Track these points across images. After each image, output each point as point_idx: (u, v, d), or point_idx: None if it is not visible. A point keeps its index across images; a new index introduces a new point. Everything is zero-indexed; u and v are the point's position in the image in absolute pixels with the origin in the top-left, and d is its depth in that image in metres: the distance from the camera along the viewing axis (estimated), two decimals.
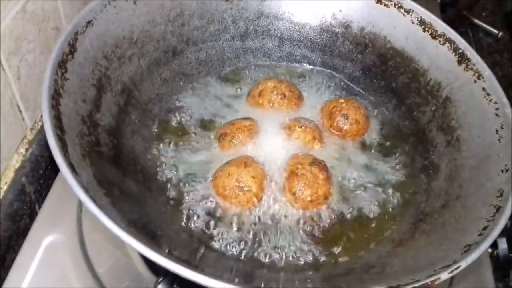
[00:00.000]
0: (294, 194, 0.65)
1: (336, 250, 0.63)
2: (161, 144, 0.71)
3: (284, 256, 0.62)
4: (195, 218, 0.64)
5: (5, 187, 0.66)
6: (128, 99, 0.70)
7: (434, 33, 0.75)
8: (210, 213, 0.64)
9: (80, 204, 0.68)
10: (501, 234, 0.54)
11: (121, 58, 0.70)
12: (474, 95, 0.68)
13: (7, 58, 0.62)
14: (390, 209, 0.68)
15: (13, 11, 0.62)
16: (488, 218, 0.55)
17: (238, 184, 0.64)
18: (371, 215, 0.67)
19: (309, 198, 0.65)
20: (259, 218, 0.65)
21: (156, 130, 0.72)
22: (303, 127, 0.71)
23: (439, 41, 0.74)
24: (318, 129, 0.73)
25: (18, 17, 0.63)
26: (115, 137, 0.65)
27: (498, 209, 0.56)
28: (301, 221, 0.65)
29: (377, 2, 0.79)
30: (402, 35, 0.78)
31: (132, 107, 0.70)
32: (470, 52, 0.71)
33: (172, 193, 0.66)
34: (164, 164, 0.69)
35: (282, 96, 0.75)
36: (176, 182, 0.67)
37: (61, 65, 0.58)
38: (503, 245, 0.69)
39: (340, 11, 0.82)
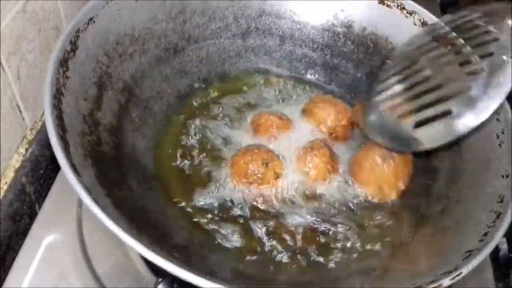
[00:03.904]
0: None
1: (336, 252, 0.63)
2: (162, 143, 0.71)
3: (283, 258, 0.62)
4: (197, 218, 0.64)
5: (5, 187, 0.66)
6: (129, 97, 0.69)
7: None
8: (213, 213, 0.64)
9: (80, 204, 0.68)
10: None
11: (122, 55, 0.69)
12: None
13: (7, 58, 0.61)
14: (390, 212, 0.68)
15: (13, 11, 0.61)
16: (489, 223, 0.56)
17: None
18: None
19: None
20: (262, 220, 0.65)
21: (156, 128, 0.72)
22: None
23: None
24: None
25: (18, 17, 0.62)
26: (116, 136, 0.65)
27: (499, 215, 0.56)
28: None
29: (379, 3, 0.78)
30: (404, 37, 0.77)
31: (133, 105, 0.70)
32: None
33: (173, 192, 0.66)
34: (164, 162, 0.69)
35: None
36: (178, 181, 0.67)
37: (63, 63, 0.58)
38: (503, 245, 0.70)
39: (342, 11, 0.81)
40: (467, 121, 0.57)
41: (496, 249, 0.70)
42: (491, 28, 0.58)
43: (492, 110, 0.55)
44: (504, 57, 0.55)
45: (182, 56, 0.78)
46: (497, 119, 0.65)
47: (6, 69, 0.62)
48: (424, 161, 0.71)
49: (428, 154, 0.71)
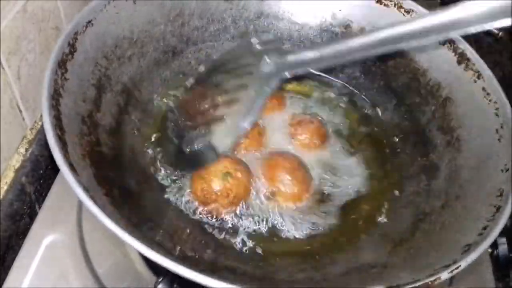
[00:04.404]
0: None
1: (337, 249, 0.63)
2: (161, 144, 0.71)
3: (283, 257, 0.62)
4: (196, 217, 0.64)
5: (5, 187, 0.66)
6: (128, 99, 0.70)
7: None
8: (211, 212, 0.64)
9: (80, 204, 0.68)
10: (501, 234, 0.54)
11: (121, 58, 0.70)
12: (474, 95, 0.68)
13: (7, 58, 0.62)
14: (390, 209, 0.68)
15: (13, 11, 0.62)
16: (488, 218, 0.55)
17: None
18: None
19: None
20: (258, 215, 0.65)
21: (156, 130, 0.72)
22: None
23: (439, 41, 0.74)
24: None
25: (18, 17, 0.63)
26: (115, 137, 0.65)
27: (498, 208, 0.56)
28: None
29: (377, 2, 0.78)
30: None
31: (132, 107, 0.70)
32: (470, 52, 0.71)
33: (173, 192, 0.66)
34: (164, 163, 0.69)
35: None
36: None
37: (61, 65, 0.58)
38: (503, 245, 0.69)
39: (340, 11, 0.82)
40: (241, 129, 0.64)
41: (496, 249, 0.69)
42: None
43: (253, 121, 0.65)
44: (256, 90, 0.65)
45: (180, 59, 0.79)
46: (496, 114, 0.65)
47: (6, 69, 0.62)
48: (424, 158, 0.71)
49: (428, 151, 0.71)
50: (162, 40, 0.76)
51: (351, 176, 0.72)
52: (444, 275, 0.49)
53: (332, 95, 0.82)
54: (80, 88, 0.61)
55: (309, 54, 0.63)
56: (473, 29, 0.51)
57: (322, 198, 0.68)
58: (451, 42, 0.73)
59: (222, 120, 0.64)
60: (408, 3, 0.77)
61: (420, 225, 0.63)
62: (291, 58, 0.65)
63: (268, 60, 0.66)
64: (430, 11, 0.56)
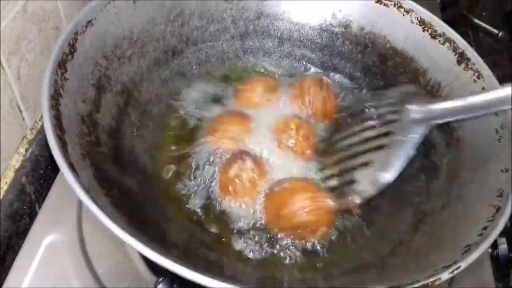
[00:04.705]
0: None
1: (336, 249, 0.63)
2: (161, 144, 0.71)
3: (282, 256, 0.62)
4: (196, 218, 0.64)
5: (5, 187, 0.66)
6: (128, 100, 0.70)
7: (433, 32, 0.75)
8: (212, 213, 0.64)
9: (80, 204, 0.68)
10: (501, 234, 0.54)
11: (121, 58, 0.70)
12: None
13: (7, 58, 0.62)
14: (390, 210, 0.67)
15: (13, 11, 0.62)
16: (488, 218, 0.55)
17: None
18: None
19: None
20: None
21: (155, 130, 0.72)
22: None
23: (439, 40, 0.74)
24: None
25: (18, 17, 0.63)
26: (115, 137, 0.65)
27: (498, 209, 0.56)
28: None
29: (376, 2, 0.78)
30: (402, 35, 0.78)
31: (132, 108, 0.70)
32: (470, 52, 0.71)
33: (173, 193, 0.66)
34: (164, 164, 0.69)
35: None
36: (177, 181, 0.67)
37: (61, 65, 0.58)
38: (503, 245, 0.69)
39: (340, 11, 0.82)
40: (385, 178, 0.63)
41: (496, 249, 0.69)
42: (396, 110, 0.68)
43: (397, 172, 0.63)
44: (401, 137, 0.65)
45: (180, 59, 0.79)
46: (496, 114, 0.65)
47: (6, 69, 0.62)
48: (423, 159, 0.71)
49: (428, 151, 0.71)
50: (162, 40, 0.76)
51: None
52: (445, 276, 0.49)
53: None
54: (80, 88, 0.61)
55: (457, 103, 0.62)
56: None
57: None
58: (451, 41, 0.73)
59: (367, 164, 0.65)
60: (407, 3, 0.77)
61: (420, 226, 0.63)
62: (436, 107, 0.64)
63: (413, 108, 0.65)
64: None
